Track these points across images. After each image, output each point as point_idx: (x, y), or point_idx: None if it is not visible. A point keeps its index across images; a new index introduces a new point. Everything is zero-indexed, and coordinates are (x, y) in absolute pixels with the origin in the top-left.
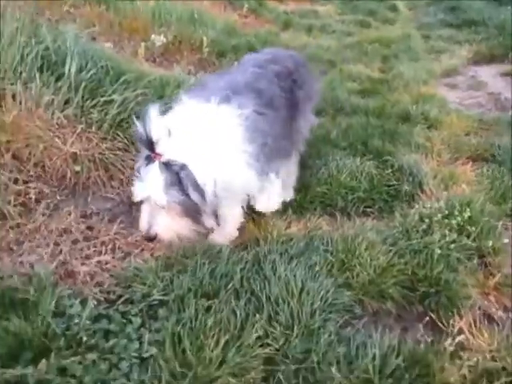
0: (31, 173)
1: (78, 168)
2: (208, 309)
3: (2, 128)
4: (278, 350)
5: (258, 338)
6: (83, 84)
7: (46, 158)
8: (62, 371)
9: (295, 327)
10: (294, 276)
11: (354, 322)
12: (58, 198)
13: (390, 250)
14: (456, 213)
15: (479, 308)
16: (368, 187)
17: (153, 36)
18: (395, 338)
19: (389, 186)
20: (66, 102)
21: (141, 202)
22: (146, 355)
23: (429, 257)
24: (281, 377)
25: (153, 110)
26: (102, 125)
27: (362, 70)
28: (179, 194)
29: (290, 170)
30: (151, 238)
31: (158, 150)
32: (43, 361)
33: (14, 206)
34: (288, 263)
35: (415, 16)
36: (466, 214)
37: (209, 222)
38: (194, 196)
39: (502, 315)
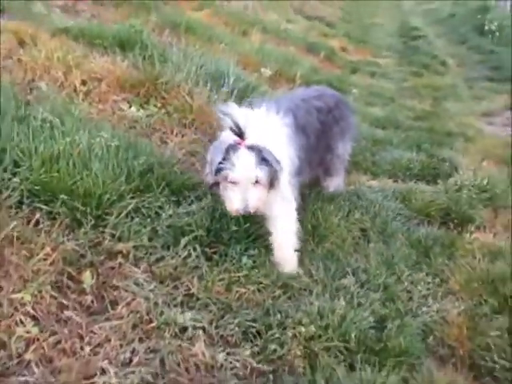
0: (209, 141)
1: None
2: (329, 203)
3: (191, 111)
4: (368, 226)
5: (356, 219)
6: (235, 91)
7: (218, 131)
8: None
9: (377, 218)
10: (376, 198)
11: (410, 222)
12: None
13: (433, 196)
14: (478, 181)
15: (484, 227)
16: (420, 168)
17: (262, 69)
18: (435, 228)
19: (434, 168)
20: (225, 101)
21: (231, 185)
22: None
23: (458, 198)
24: (371, 235)
25: (239, 109)
26: None
27: (415, 105)
28: (267, 168)
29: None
30: (248, 214)
31: (245, 136)
32: None
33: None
34: (370, 193)
35: (463, 71)
36: (485, 181)
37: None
38: (277, 167)
39: (499, 229)
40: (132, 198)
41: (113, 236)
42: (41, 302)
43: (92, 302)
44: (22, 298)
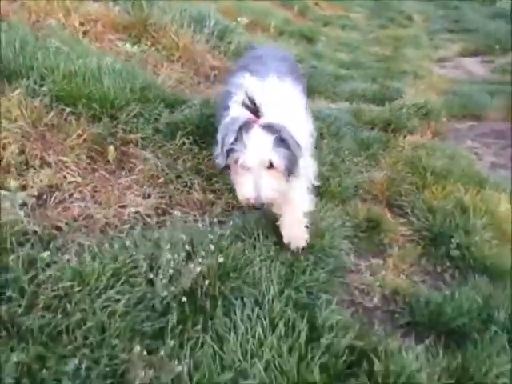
0: (193, 74)
1: (215, 72)
2: None
3: (177, 49)
4: (324, 131)
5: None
6: (215, 31)
7: (201, 67)
8: None
9: (332, 125)
10: (332, 113)
11: (358, 129)
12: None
13: (379, 112)
14: (417, 100)
15: (410, 132)
16: (373, 95)
17: (239, 18)
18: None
19: (384, 94)
20: (207, 40)
21: (242, 171)
22: None
23: (399, 114)
24: (326, 137)
25: (250, 83)
26: (227, 52)
27: (378, 51)
28: (285, 151)
29: None
30: (261, 205)
31: (260, 114)
32: None
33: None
34: (328, 110)
35: (426, 24)
36: (422, 101)
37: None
38: (296, 151)
39: (428, 135)
40: (136, 105)
41: (124, 130)
42: (79, 166)
43: (115, 169)
44: (66, 161)
